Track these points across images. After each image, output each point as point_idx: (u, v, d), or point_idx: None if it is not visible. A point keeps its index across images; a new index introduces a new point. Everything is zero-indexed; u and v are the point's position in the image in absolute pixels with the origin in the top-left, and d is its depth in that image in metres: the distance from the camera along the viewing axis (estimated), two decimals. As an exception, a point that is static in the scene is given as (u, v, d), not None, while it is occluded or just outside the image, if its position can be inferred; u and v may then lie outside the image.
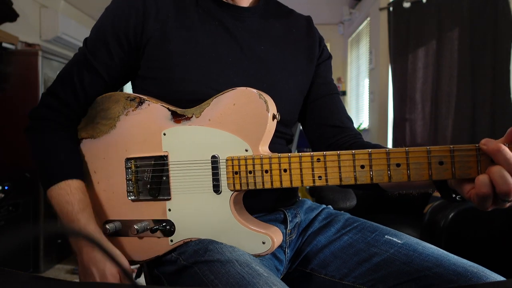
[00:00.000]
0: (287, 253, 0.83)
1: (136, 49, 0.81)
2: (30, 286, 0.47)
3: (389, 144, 3.72)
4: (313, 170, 0.64)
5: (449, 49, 3.14)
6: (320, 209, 0.92)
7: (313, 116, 0.93)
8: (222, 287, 0.59)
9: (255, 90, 0.70)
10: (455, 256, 0.71)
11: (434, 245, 0.75)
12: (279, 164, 0.66)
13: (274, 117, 0.71)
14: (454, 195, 0.62)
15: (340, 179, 0.63)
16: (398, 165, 0.59)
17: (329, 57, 0.99)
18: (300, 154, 0.65)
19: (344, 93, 5.16)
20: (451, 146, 0.56)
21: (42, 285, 0.47)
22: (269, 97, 0.72)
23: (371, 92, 4.13)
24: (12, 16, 2.77)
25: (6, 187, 2.43)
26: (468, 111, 2.99)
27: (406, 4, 3.41)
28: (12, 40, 2.78)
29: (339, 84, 5.12)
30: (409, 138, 3.46)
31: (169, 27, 0.80)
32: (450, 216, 1.59)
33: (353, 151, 0.62)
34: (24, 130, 0.83)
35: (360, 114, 4.65)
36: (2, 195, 2.35)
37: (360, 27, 4.53)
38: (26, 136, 0.83)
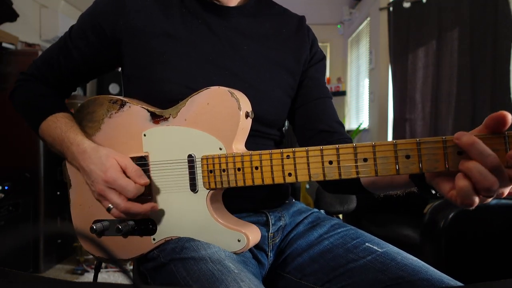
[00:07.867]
0: (270, 257, 0.82)
1: (114, 43, 0.82)
2: (30, 286, 0.47)
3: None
4: (283, 167, 0.64)
5: (449, 49, 3.14)
6: (309, 212, 0.90)
7: (302, 120, 0.90)
8: (192, 284, 0.60)
9: (227, 89, 0.70)
10: (436, 270, 0.67)
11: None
12: (251, 161, 0.66)
13: (247, 115, 0.71)
14: (433, 191, 0.58)
15: (309, 176, 0.62)
16: (365, 159, 0.58)
17: (322, 58, 0.95)
18: (270, 151, 0.65)
19: (344, 93, 5.15)
20: (418, 139, 0.55)
21: (42, 285, 0.47)
22: (242, 95, 0.72)
23: (371, 92, 4.13)
24: (12, 16, 2.77)
25: (6, 187, 2.43)
26: (468, 111, 2.99)
27: (406, 4, 3.41)
28: (12, 40, 2.78)
29: (339, 84, 5.11)
30: (409, 138, 3.45)
31: (150, 25, 0.80)
32: (450, 216, 1.59)
33: (322, 146, 0.61)
34: (11, 92, 0.90)
35: (360, 114, 4.65)
36: (2, 195, 2.35)
37: (360, 27, 4.53)
38: (12, 95, 0.90)
